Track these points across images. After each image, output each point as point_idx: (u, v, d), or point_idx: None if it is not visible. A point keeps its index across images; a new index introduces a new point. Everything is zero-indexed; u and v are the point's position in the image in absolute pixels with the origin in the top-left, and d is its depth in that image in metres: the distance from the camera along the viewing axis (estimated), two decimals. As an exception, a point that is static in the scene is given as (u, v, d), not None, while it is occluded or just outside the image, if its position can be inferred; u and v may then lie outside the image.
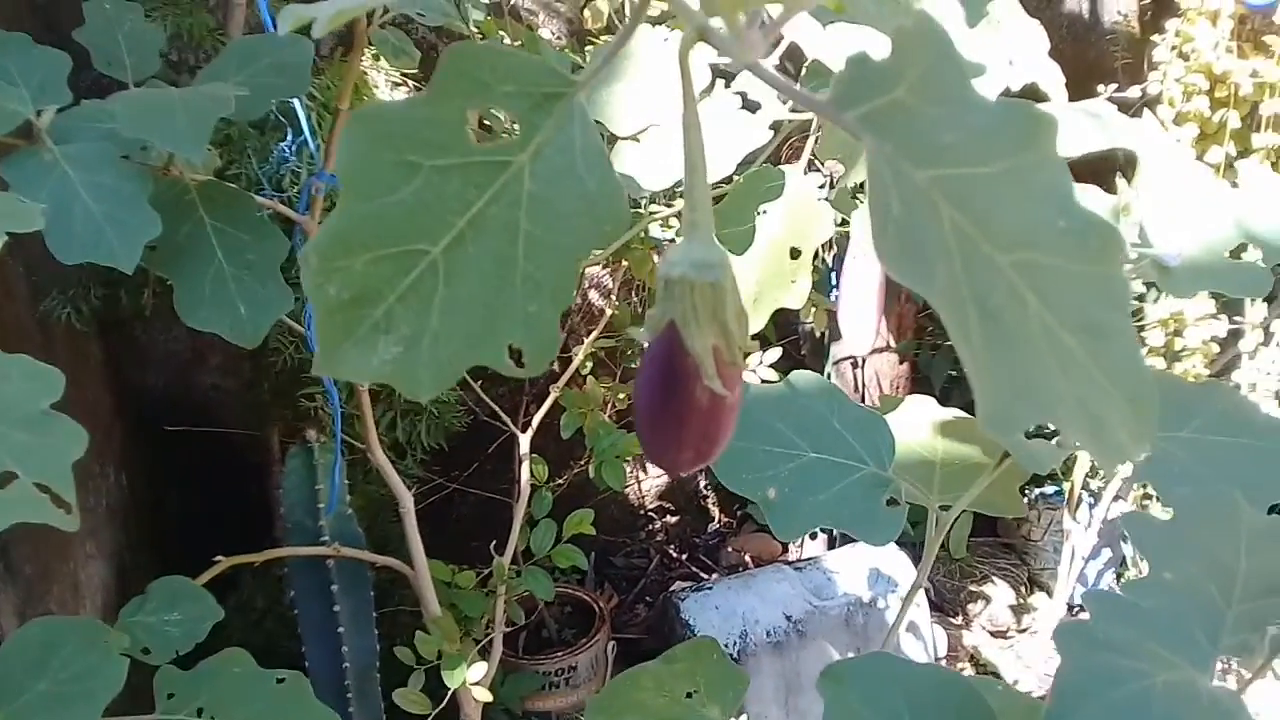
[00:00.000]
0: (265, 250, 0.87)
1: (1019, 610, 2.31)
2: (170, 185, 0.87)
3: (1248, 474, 0.75)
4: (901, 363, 2.29)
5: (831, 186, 1.13)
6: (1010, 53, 0.85)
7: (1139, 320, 1.86)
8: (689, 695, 0.84)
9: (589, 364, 1.71)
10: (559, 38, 1.96)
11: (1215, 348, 1.85)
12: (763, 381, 1.57)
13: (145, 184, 0.81)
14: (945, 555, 2.33)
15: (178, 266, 0.85)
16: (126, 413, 1.68)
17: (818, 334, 2.24)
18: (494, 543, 1.52)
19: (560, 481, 1.76)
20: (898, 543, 1.98)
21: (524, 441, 1.56)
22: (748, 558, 2.39)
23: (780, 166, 0.98)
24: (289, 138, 1.25)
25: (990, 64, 0.75)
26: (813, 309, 1.79)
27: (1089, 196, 0.86)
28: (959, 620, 2.29)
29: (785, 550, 2.40)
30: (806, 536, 2.34)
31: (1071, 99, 0.87)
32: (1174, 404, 0.79)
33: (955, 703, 0.64)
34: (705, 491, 2.52)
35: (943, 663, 2.02)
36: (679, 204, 1.51)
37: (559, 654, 1.78)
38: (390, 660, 1.39)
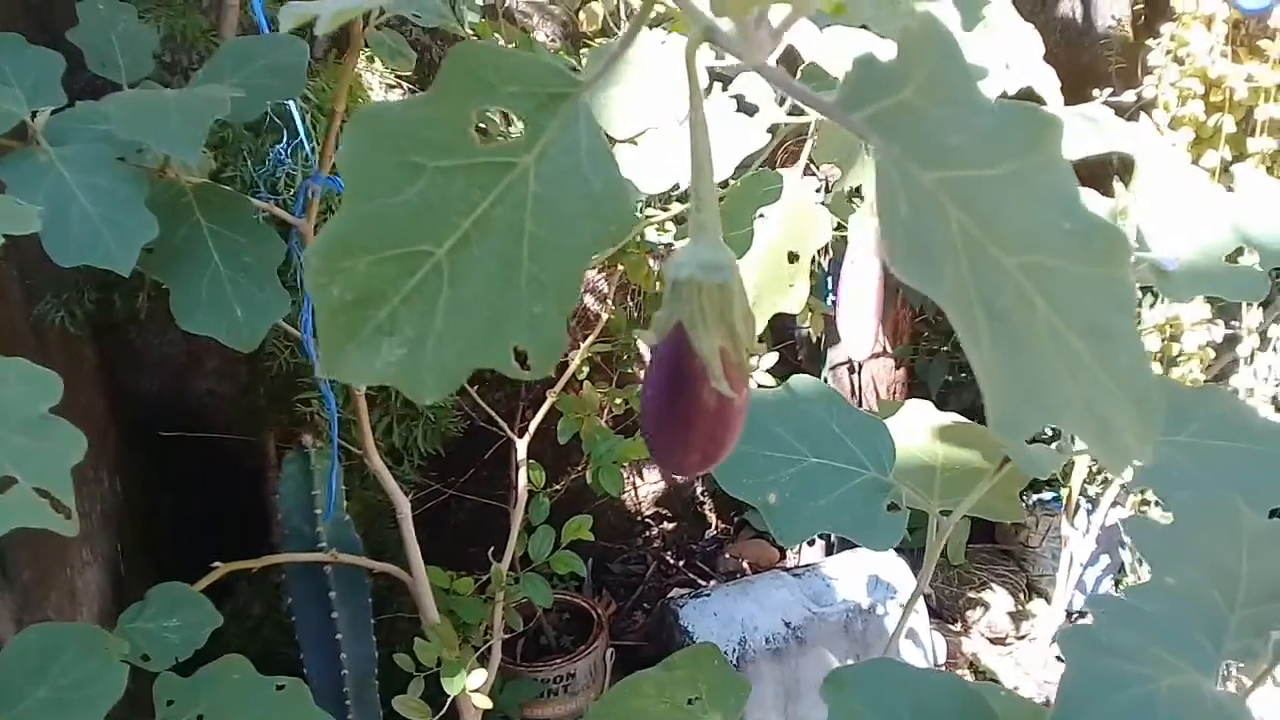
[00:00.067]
0: (262, 253, 0.87)
1: (1018, 617, 2.31)
2: (166, 188, 0.86)
3: (1247, 478, 0.75)
4: (898, 368, 2.29)
5: (827, 191, 1.12)
6: (1006, 57, 0.85)
7: (1135, 325, 1.86)
8: (690, 702, 0.84)
9: (585, 369, 1.70)
10: (553, 40, 1.96)
11: (1211, 353, 1.85)
12: (760, 386, 1.57)
13: (142, 186, 0.80)
14: (944, 562, 2.33)
15: (174, 269, 0.85)
16: (121, 417, 1.67)
17: (814, 339, 2.24)
18: (491, 549, 1.52)
19: (558, 487, 1.75)
20: (896, 549, 1.99)
21: (521, 447, 1.56)
22: (745, 564, 2.39)
23: (777, 170, 0.98)
24: (284, 140, 1.25)
25: (987, 68, 0.76)
26: (809, 313, 1.79)
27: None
28: (958, 627, 2.29)
29: (783, 557, 2.40)
30: (804, 543, 2.33)
31: (1066, 103, 0.87)
32: (1173, 408, 0.79)
33: (959, 707, 0.63)
34: (702, 498, 2.52)
35: (942, 670, 2.02)
36: (676, 208, 1.51)
37: (557, 661, 1.78)
38: (388, 667, 1.38)
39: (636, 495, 2.43)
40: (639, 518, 2.45)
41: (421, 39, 1.67)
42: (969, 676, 2.15)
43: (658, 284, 1.69)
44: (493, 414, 1.60)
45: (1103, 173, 0.91)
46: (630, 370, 1.98)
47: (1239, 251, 0.87)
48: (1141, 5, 2.29)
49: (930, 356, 2.31)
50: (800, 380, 0.84)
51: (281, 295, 0.85)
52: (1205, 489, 0.74)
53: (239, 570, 1.15)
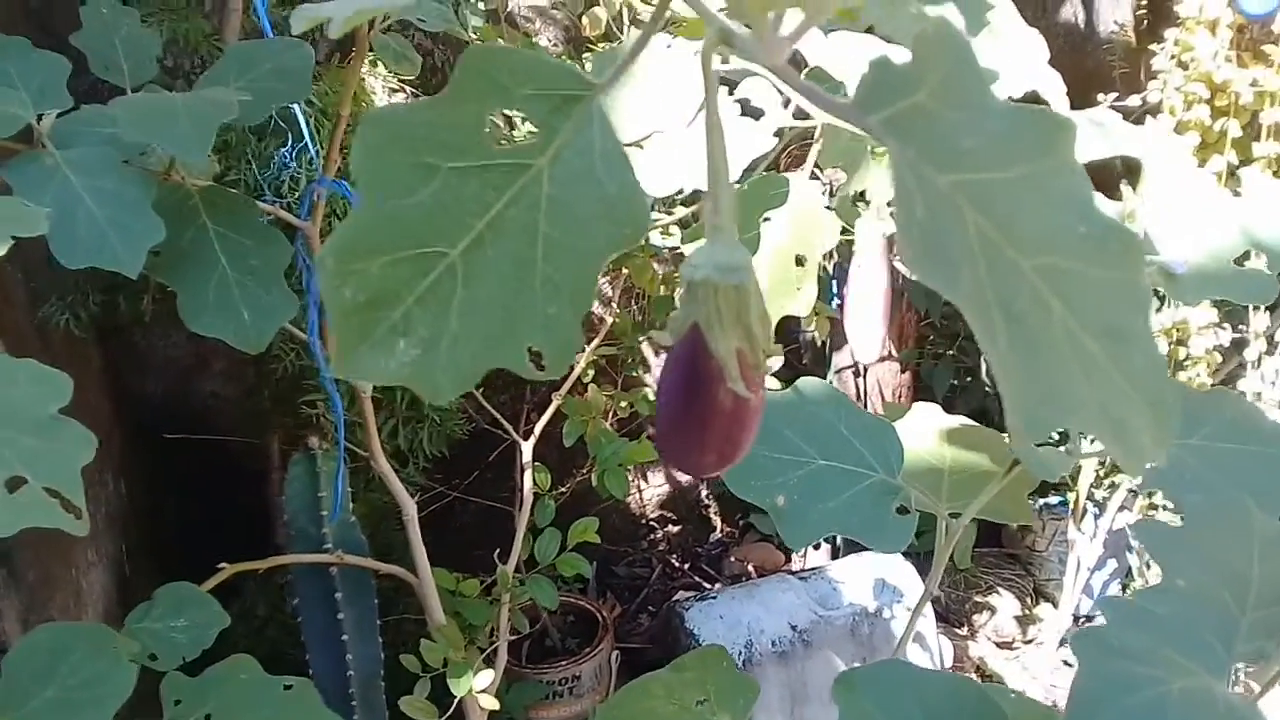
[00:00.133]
0: (268, 256, 0.87)
1: (1024, 621, 2.31)
2: (172, 191, 0.87)
3: (1258, 480, 0.75)
4: (903, 372, 2.29)
5: (831, 195, 1.13)
6: (1011, 61, 0.85)
7: (1150, 328, 1.86)
8: (699, 703, 0.84)
9: (590, 372, 1.71)
10: (555, 45, 1.96)
11: (1219, 357, 1.85)
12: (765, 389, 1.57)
13: (148, 189, 0.81)
14: (950, 566, 2.32)
15: (181, 272, 0.85)
16: (125, 420, 1.68)
17: (819, 342, 2.23)
18: (496, 551, 1.52)
19: (563, 490, 1.75)
20: (902, 553, 1.98)
21: (526, 449, 1.56)
22: (750, 568, 2.39)
23: (783, 174, 0.98)
24: (289, 143, 1.25)
25: (998, 72, 0.76)
26: (814, 317, 1.79)
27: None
28: (964, 631, 2.29)
29: (788, 560, 2.40)
30: (810, 547, 2.33)
31: (1070, 108, 0.87)
32: (1185, 412, 0.79)
33: (970, 709, 0.63)
34: (707, 501, 2.52)
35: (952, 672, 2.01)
36: (680, 211, 1.51)
37: (563, 663, 1.78)
38: (394, 669, 1.38)
39: (641, 498, 2.43)
40: (644, 521, 2.45)
41: (424, 43, 1.67)
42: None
43: (662, 288, 1.69)
44: (498, 417, 1.60)
45: (1108, 176, 0.91)
46: (635, 374, 1.98)
47: (1246, 255, 0.87)
48: (1144, 10, 2.29)
49: (935, 360, 2.30)
50: (808, 383, 0.84)
51: (288, 298, 0.85)
52: (1216, 492, 0.74)
53: (244, 571, 1.15)
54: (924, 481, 0.86)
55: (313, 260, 1.05)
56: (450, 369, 0.36)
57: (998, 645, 2.27)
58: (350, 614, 1.34)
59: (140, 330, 1.70)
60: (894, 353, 2.24)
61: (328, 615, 1.34)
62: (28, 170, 0.78)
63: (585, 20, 1.52)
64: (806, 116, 0.88)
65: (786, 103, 0.90)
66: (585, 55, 1.72)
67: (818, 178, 1.04)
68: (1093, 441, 1.12)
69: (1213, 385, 1.83)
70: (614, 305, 1.75)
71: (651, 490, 2.44)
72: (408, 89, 1.54)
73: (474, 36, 1.36)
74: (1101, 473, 2.12)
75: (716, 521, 2.52)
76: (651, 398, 1.72)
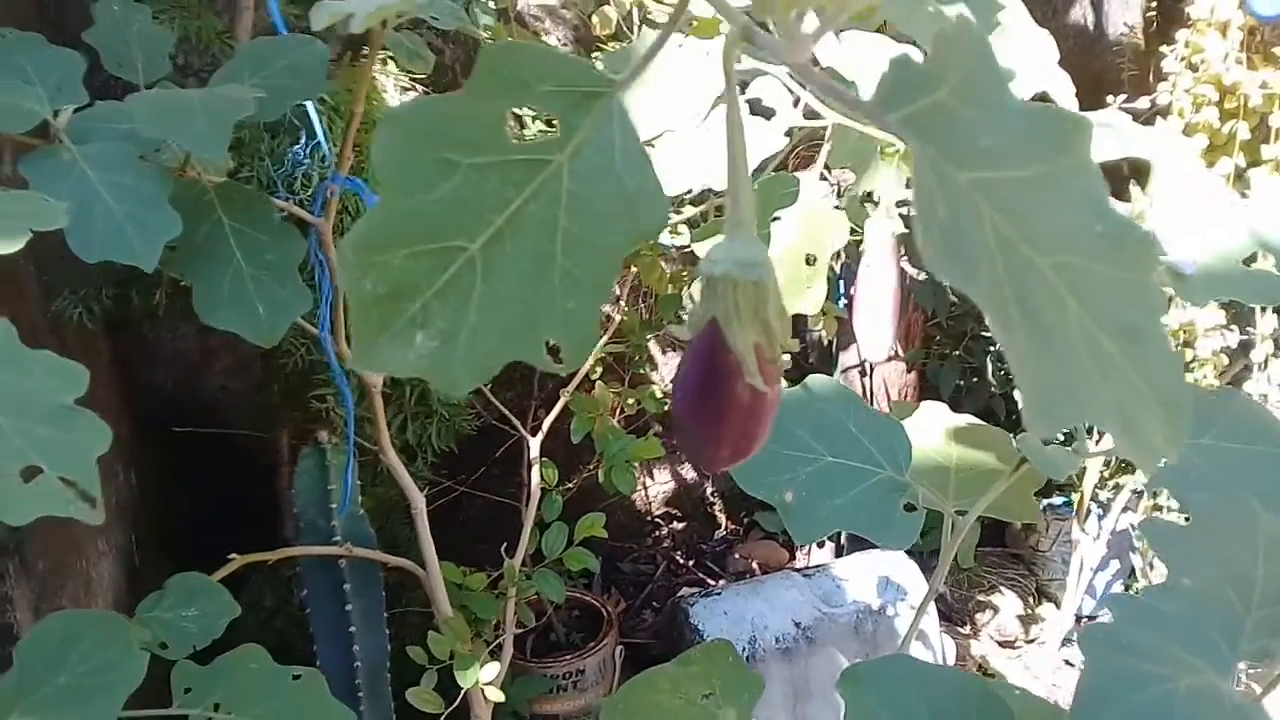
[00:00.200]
0: (283, 251, 0.87)
1: (1027, 620, 2.31)
2: (188, 186, 0.87)
3: (1265, 481, 0.76)
4: (909, 371, 2.29)
5: (839, 195, 1.13)
6: (1021, 62, 0.85)
7: (1164, 327, 1.86)
8: (705, 697, 0.84)
9: (598, 369, 1.71)
10: (565, 44, 1.97)
11: (1225, 359, 1.85)
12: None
13: (165, 184, 0.81)
14: (954, 565, 2.32)
15: (196, 267, 0.86)
16: (135, 413, 1.69)
17: (825, 341, 2.24)
18: (503, 546, 1.53)
19: (569, 486, 1.76)
20: (906, 551, 1.99)
21: (534, 445, 1.56)
22: (754, 565, 2.39)
23: (794, 174, 0.98)
24: (302, 140, 1.26)
25: (1014, 71, 0.76)
26: (821, 316, 1.79)
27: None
28: (967, 630, 2.29)
29: (792, 558, 2.40)
30: (814, 545, 2.34)
31: (1080, 109, 0.87)
32: (1194, 412, 0.79)
33: (975, 705, 0.64)
34: (712, 498, 2.52)
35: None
36: (688, 211, 1.52)
37: (567, 657, 1.78)
38: (399, 661, 1.39)
39: (646, 495, 2.44)
40: (649, 517, 2.46)
41: (434, 42, 1.68)
42: (977, 679, 2.15)
43: (670, 286, 1.70)
44: (506, 412, 1.60)
45: (1115, 178, 0.91)
46: (642, 371, 1.99)
47: (1253, 257, 0.87)
48: (1154, 12, 2.29)
49: (942, 361, 2.31)
50: (818, 380, 0.85)
51: (302, 292, 0.86)
52: (1222, 491, 0.74)
53: (252, 563, 1.16)
54: (931, 479, 0.86)
55: (325, 256, 1.06)
56: (468, 361, 0.37)
57: (1000, 644, 2.28)
58: (358, 606, 1.35)
59: (150, 324, 1.70)
60: (900, 353, 2.25)
61: (336, 607, 1.35)
62: (45, 165, 0.78)
63: (595, 19, 1.52)
64: (816, 116, 0.88)
65: (796, 102, 0.91)
66: (595, 55, 1.72)
67: (826, 178, 1.04)
68: (1098, 441, 1.12)
69: (1219, 387, 1.83)
70: (622, 303, 1.76)
71: (657, 487, 2.45)
72: (419, 87, 1.54)
73: (485, 35, 1.36)
74: (1106, 473, 2.12)
75: (721, 519, 2.53)
76: (659, 395, 1.73)
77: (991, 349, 2.28)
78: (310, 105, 1.15)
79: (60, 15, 1.38)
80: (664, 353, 2.21)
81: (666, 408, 1.79)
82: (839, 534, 2.26)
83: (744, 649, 1.81)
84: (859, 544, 2.19)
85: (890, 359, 2.22)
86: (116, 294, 1.38)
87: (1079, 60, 2.23)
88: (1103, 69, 2.29)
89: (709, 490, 2.51)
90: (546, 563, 1.52)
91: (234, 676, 0.88)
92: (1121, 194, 0.87)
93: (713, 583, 2.33)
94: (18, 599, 1.11)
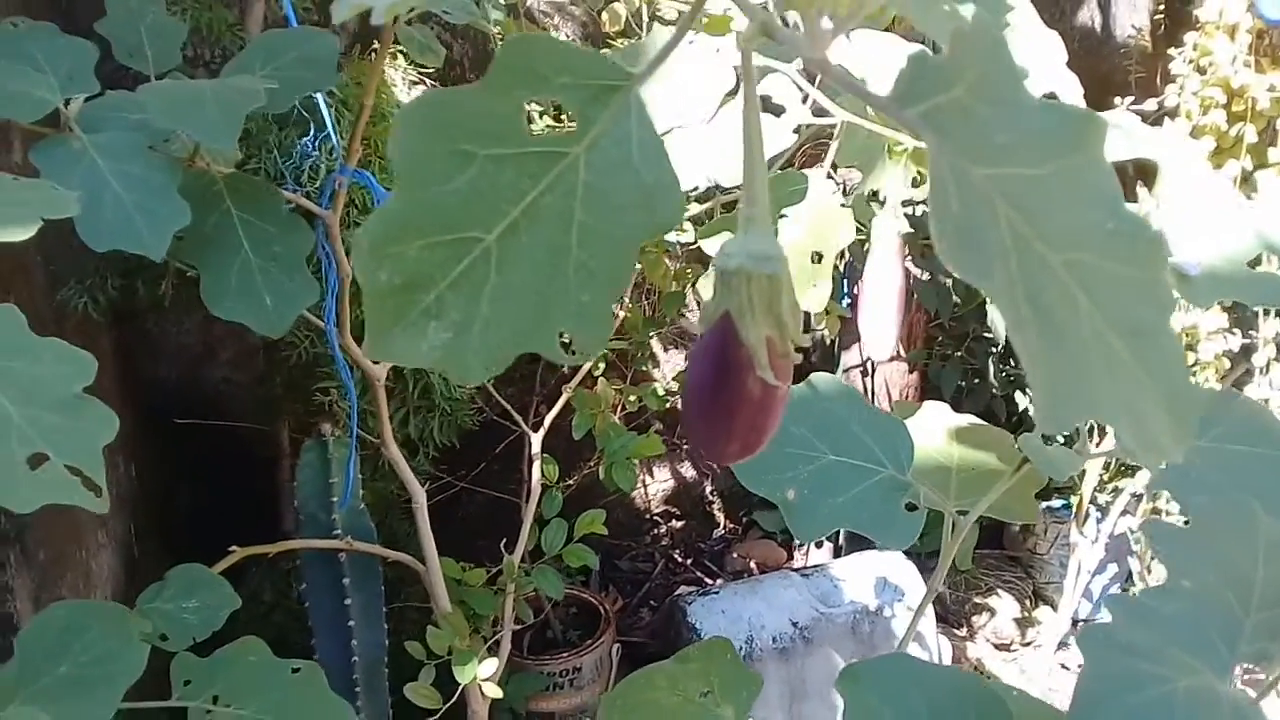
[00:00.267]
0: (291, 243, 0.88)
1: (1023, 623, 2.32)
2: (197, 177, 0.87)
3: (1266, 483, 0.76)
4: (911, 372, 2.29)
5: (845, 194, 1.13)
6: (1030, 62, 0.85)
7: (1172, 327, 1.86)
8: (703, 695, 0.84)
9: (600, 366, 1.71)
10: (573, 41, 1.97)
11: (1227, 362, 1.85)
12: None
13: (175, 174, 0.81)
14: (951, 567, 2.33)
15: (204, 257, 0.86)
16: (136, 404, 1.69)
17: (828, 341, 2.24)
18: (503, 541, 1.53)
19: (569, 483, 1.76)
20: (904, 552, 1.99)
21: (535, 441, 1.57)
22: (752, 564, 2.40)
23: (802, 171, 0.98)
24: (311, 132, 1.26)
25: (1029, 70, 0.76)
26: (824, 315, 1.79)
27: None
28: (963, 632, 2.30)
29: (790, 558, 2.40)
30: (811, 545, 2.34)
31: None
32: (1194, 413, 0.79)
33: (974, 704, 0.64)
34: (711, 497, 2.53)
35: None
36: (695, 208, 1.52)
37: (564, 655, 1.78)
38: (396, 656, 1.39)
39: (645, 493, 2.44)
40: (648, 515, 2.46)
41: (442, 36, 1.68)
42: (974, 681, 2.15)
43: (674, 283, 1.70)
44: (508, 408, 1.61)
45: (1121, 178, 0.91)
46: (644, 368, 1.99)
47: (1258, 259, 0.87)
48: (1161, 15, 2.29)
49: (944, 361, 2.31)
50: (822, 378, 0.85)
51: (310, 284, 0.86)
52: (1222, 493, 0.75)
53: (252, 556, 1.16)
54: (932, 479, 0.87)
55: (332, 248, 1.06)
56: (481, 353, 0.37)
57: (996, 647, 2.28)
58: (357, 600, 1.35)
59: (153, 316, 1.71)
60: (902, 353, 2.25)
61: (335, 600, 1.35)
62: (55, 153, 0.79)
63: (604, 16, 1.52)
64: (825, 114, 0.89)
65: (805, 99, 0.91)
66: (603, 51, 1.72)
67: (831, 177, 1.04)
68: (1099, 444, 1.12)
69: (1221, 389, 1.83)
70: (625, 300, 1.76)
71: (656, 485, 2.45)
72: (427, 81, 1.55)
73: (496, 30, 1.36)
74: (1105, 476, 2.12)
75: (720, 518, 2.53)
76: (661, 393, 1.73)
77: (993, 350, 2.28)
78: (320, 97, 1.15)
79: (71, 5, 1.38)
80: (666, 350, 2.21)
81: (668, 405, 1.79)
82: (837, 534, 2.26)
83: (741, 648, 1.82)
84: (857, 544, 2.19)
85: (892, 359, 2.23)
86: (122, 284, 1.38)
87: (1086, 62, 2.23)
88: (1110, 71, 2.29)
89: (708, 489, 2.51)
90: (546, 559, 1.52)
91: (233, 669, 0.89)
92: (1128, 195, 0.87)
93: (711, 582, 2.33)
94: (18, 589, 1.12)
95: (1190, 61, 1.84)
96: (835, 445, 0.83)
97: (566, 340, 0.38)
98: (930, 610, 2.06)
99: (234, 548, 1.13)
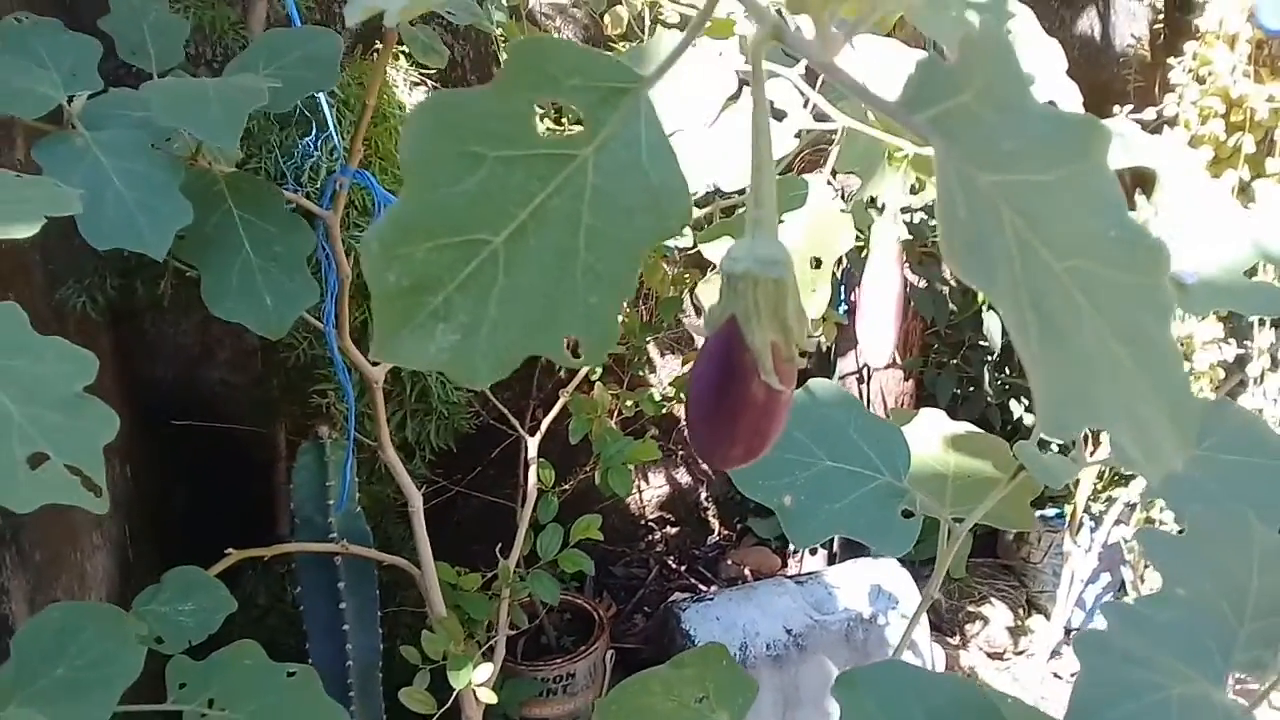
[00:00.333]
0: (292, 243, 0.88)
1: (1016, 632, 2.32)
2: (199, 176, 0.88)
3: (1260, 493, 0.76)
4: (907, 379, 2.30)
5: (844, 199, 1.14)
6: (1031, 70, 0.86)
7: (1173, 335, 1.87)
8: (698, 700, 0.84)
9: (597, 370, 1.71)
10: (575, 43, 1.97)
11: (1221, 372, 1.86)
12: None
13: (177, 173, 0.81)
14: (945, 575, 2.33)
15: (205, 256, 0.86)
16: (133, 405, 1.68)
17: (823, 347, 2.25)
18: (498, 546, 1.53)
19: (565, 487, 1.76)
20: (899, 560, 1.99)
21: (532, 445, 1.57)
22: (747, 571, 2.40)
23: (802, 177, 0.99)
24: (311, 133, 1.26)
25: (1035, 76, 0.77)
26: (820, 322, 1.80)
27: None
28: (956, 640, 2.30)
29: (784, 565, 2.40)
30: (806, 552, 2.34)
31: (1090, 119, 0.88)
32: (1191, 422, 0.80)
33: (971, 712, 0.64)
34: (706, 504, 2.53)
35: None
36: (694, 213, 1.52)
37: (558, 661, 1.78)
38: (391, 660, 1.39)
39: (640, 499, 2.44)
40: (642, 521, 2.46)
41: (444, 37, 1.68)
42: (967, 689, 2.15)
43: (671, 288, 1.70)
44: (505, 412, 1.61)
45: (1125, 187, 0.92)
46: (641, 373, 1.99)
47: (1254, 269, 0.88)
48: (1161, 25, 2.31)
49: (939, 369, 2.32)
50: (819, 384, 0.85)
51: (310, 285, 0.86)
52: (1218, 502, 0.75)
53: (246, 559, 1.16)
54: (929, 486, 0.87)
55: (332, 249, 1.06)
56: (489, 355, 0.37)
57: (989, 655, 2.28)
58: (352, 604, 1.35)
59: (151, 317, 1.70)
60: (899, 360, 2.26)
61: (330, 604, 1.35)
62: (58, 150, 0.79)
63: (607, 19, 1.53)
64: (826, 119, 0.89)
65: (806, 104, 0.91)
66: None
67: (831, 183, 1.05)
68: (1093, 453, 1.12)
69: (1216, 399, 1.84)
70: (623, 305, 1.76)
71: (651, 491, 2.45)
72: (428, 82, 1.55)
73: (499, 32, 1.37)
74: (1099, 486, 2.13)
75: (714, 524, 2.53)
76: (657, 398, 1.73)
77: (989, 359, 2.29)
78: (322, 97, 1.15)
79: (75, 2, 1.38)
80: (663, 355, 2.21)
81: (664, 410, 1.79)
82: (832, 541, 2.27)
83: (735, 655, 1.81)
84: (851, 552, 2.19)
85: (888, 366, 2.23)
86: (121, 284, 1.37)
87: (1086, 71, 2.24)
88: (1109, 80, 2.30)
89: (703, 495, 2.51)
90: (541, 564, 1.52)
91: (228, 672, 0.88)
92: (1130, 203, 0.88)
93: (705, 588, 2.33)
94: (13, 590, 1.11)
95: (1189, 71, 1.85)
96: (832, 451, 0.83)
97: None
98: (924, 618, 2.06)
99: (229, 550, 1.13)
